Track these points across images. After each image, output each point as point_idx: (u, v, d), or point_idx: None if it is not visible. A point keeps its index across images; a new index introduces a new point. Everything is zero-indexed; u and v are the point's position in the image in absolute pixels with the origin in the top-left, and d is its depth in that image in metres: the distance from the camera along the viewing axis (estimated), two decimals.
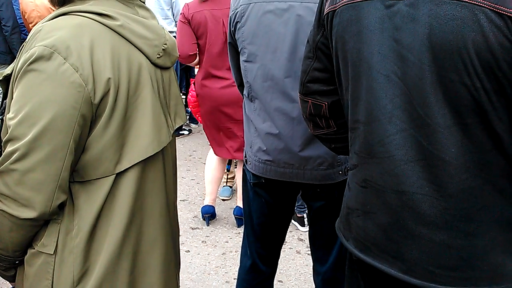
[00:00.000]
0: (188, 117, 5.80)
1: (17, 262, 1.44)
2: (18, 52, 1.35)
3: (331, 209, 2.17)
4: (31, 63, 1.26)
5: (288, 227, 2.44)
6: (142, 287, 1.48)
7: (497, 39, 1.09)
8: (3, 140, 1.30)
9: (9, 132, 1.27)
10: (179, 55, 3.83)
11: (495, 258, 1.19)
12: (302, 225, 4.19)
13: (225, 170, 4.68)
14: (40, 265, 1.37)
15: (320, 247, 2.33)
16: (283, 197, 2.30)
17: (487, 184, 1.18)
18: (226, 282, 3.49)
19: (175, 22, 6.22)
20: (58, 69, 1.25)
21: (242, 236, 4.01)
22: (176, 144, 1.73)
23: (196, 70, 4.88)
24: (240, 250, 3.80)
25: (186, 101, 5.60)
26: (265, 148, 2.15)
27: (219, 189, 4.83)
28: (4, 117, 1.35)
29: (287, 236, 2.74)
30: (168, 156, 1.58)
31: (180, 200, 4.67)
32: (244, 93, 2.27)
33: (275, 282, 2.57)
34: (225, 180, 4.92)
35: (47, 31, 1.30)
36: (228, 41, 2.30)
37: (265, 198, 2.29)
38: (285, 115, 2.09)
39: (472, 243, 1.19)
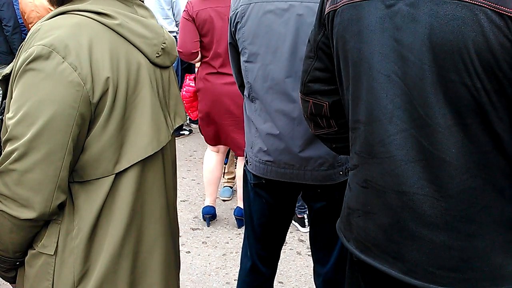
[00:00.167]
0: (188, 117, 5.80)
1: (17, 263, 1.43)
2: (17, 52, 1.35)
3: (332, 210, 2.16)
4: (29, 62, 1.25)
5: (288, 228, 2.43)
6: (143, 287, 1.48)
7: (498, 39, 1.09)
8: (3, 140, 1.30)
9: (8, 131, 1.27)
10: (182, 53, 3.84)
11: (496, 259, 1.19)
12: (303, 226, 4.18)
13: (224, 164, 4.68)
14: (41, 266, 1.37)
15: (321, 248, 2.33)
16: (284, 197, 2.30)
17: (487, 185, 1.18)
18: (226, 283, 3.49)
19: (176, 22, 6.22)
20: (56, 68, 1.25)
21: (242, 237, 4.02)
22: (177, 144, 1.72)
23: (196, 69, 4.87)
24: (240, 251, 3.81)
25: None
26: (265, 149, 2.15)
27: (219, 189, 4.83)
28: (3, 117, 1.35)
29: (287, 237, 2.74)
30: (167, 155, 1.58)
31: (181, 201, 4.67)
32: (244, 93, 2.27)
33: (275, 283, 2.57)
34: (225, 181, 4.91)
35: (46, 30, 1.30)
36: (228, 42, 2.30)
37: (266, 199, 2.28)
38: (286, 115, 2.09)
39: (473, 244, 1.19)
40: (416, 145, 1.21)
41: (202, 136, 4.26)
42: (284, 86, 2.07)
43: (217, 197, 4.71)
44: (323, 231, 2.28)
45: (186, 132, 6.66)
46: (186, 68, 6.66)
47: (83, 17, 1.34)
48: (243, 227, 4.16)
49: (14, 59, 1.34)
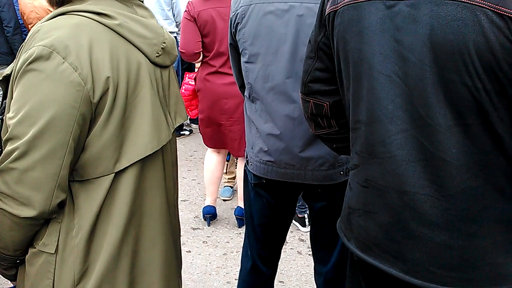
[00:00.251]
0: (188, 117, 5.81)
1: (18, 261, 1.44)
2: (18, 52, 1.35)
3: (332, 210, 2.17)
4: (30, 63, 1.26)
5: (289, 228, 2.44)
6: (142, 286, 1.48)
7: (498, 39, 1.09)
8: (3, 139, 1.31)
9: (9, 131, 1.28)
10: (184, 53, 3.84)
11: (496, 258, 1.19)
12: (303, 225, 4.18)
13: (225, 161, 4.68)
14: (41, 264, 1.38)
15: (321, 247, 2.33)
16: (284, 197, 2.30)
17: (488, 185, 1.18)
18: (227, 282, 3.49)
19: (176, 22, 6.22)
20: (57, 68, 1.26)
21: (243, 236, 4.02)
22: (177, 144, 1.73)
23: (197, 66, 4.87)
24: (241, 251, 3.81)
25: None
26: (266, 149, 2.15)
27: (219, 189, 4.83)
28: (4, 117, 1.35)
29: (288, 236, 2.74)
30: (168, 155, 1.58)
31: (181, 201, 4.67)
32: (245, 94, 2.27)
33: (276, 282, 2.57)
34: (226, 181, 4.91)
35: (46, 31, 1.30)
36: (229, 42, 2.30)
37: (266, 199, 2.29)
38: (286, 116, 2.09)
39: (473, 243, 1.19)
40: (417, 145, 1.21)
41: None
42: (285, 87, 2.07)
43: (217, 197, 4.71)
44: (324, 230, 2.29)
45: (187, 132, 6.67)
46: (186, 68, 6.66)
47: (83, 17, 1.35)
48: (244, 227, 4.17)
49: (15, 60, 1.34)
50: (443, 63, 1.15)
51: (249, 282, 2.47)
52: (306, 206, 4.11)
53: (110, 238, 1.39)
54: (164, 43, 1.51)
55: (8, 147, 1.27)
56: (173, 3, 6.24)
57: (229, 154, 4.77)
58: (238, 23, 2.15)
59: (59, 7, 1.41)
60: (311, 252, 3.75)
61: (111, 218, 1.39)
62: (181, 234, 1.79)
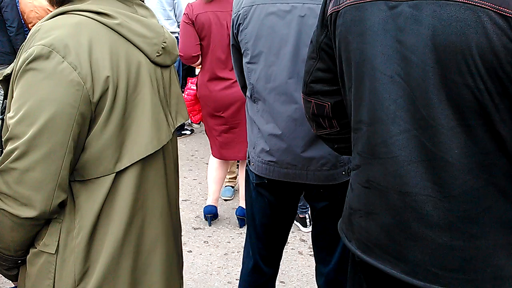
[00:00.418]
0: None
1: (19, 261, 1.44)
2: (18, 52, 1.35)
3: (334, 210, 2.17)
4: (29, 62, 1.26)
5: (290, 228, 2.44)
6: (144, 286, 1.48)
7: (501, 41, 1.09)
8: (4, 139, 1.31)
9: (9, 130, 1.28)
10: (183, 56, 3.84)
11: (498, 260, 1.19)
12: (304, 225, 4.18)
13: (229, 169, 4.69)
14: (42, 265, 1.37)
15: (323, 248, 2.34)
16: (286, 197, 2.30)
17: (490, 186, 1.18)
18: (228, 282, 3.49)
19: (177, 22, 6.22)
20: (56, 67, 1.25)
21: (244, 236, 4.01)
22: (178, 144, 1.73)
23: (197, 70, 4.88)
24: (242, 251, 3.81)
25: None
26: (268, 149, 2.16)
27: (221, 189, 4.83)
28: (4, 117, 1.36)
29: (289, 236, 2.74)
30: (169, 154, 1.58)
31: (182, 200, 4.68)
32: (247, 94, 2.27)
33: (277, 283, 2.57)
34: (227, 181, 4.91)
35: (46, 30, 1.30)
36: (231, 43, 2.31)
37: (268, 199, 2.29)
38: (288, 116, 2.09)
39: (475, 244, 1.19)
40: (419, 146, 1.21)
41: (204, 136, 4.27)
42: (287, 87, 2.08)
43: (219, 197, 4.71)
44: (325, 231, 2.29)
45: (188, 132, 6.67)
46: (187, 68, 6.66)
47: (83, 17, 1.34)
48: (245, 227, 4.17)
49: (15, 59, 1.34)
50: (446, 64, 1.14)
51: (250, 282, 2.47)
52: (307, 206, 4.12)
53: (111, 238, 1.39)
54: (164, 42, 1.51)
55: (8, 147, 1.27)
56: (175, 3, 6.24)
57: None
58: (240, 23, 2.15)
59: (59, 6, 1.41)
60: (312, 253, 3.76)
61: (112, 218, 1.39)
62: (182, 234, 1.79)
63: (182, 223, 1.75)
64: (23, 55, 1.29)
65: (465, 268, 1.20)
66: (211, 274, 3.59)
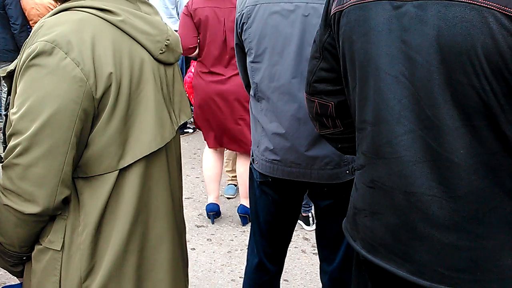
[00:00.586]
0: (192, 114, 5.81)
1: (24, 258, 1.44)
2: (22, 48, 1.36)
3: (338, 208, 2.17)
4: (32, 58, 1.26)
5: (295, 226, 2.44)
6: (150, 283, 1.48)
7: (506, 41, 1.08)
8: (7, 135, 1.32)
9: (12, 126, 1.29)
10: None
11: (505, 260, 1.19)
12: (307, 224, 4.19)
13: (228, 159, 4.70)
14: (48, 261, 1.38)
15: (327, 246, 2.34)
16: (290, 196, 2.30)
17: (496, 186, 1.18)
18: (232, 280, 3.50)
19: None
20: (59, 63, 1.26)
21: (247, 234, 4.03)
22: (181, 142, 1.73)
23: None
24: (245, 249, 3.81)
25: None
26: (272, 148, 2.16)
27: (223, 187, 4.84)
28: (8, 113, 1.36)
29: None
30: (172, 152, 1.58)
31: (185, 198, 4.68)
32: (250, 93, 2.28)
33: (280, 281, 2.57)
34: (230, 179, 4.92)
35: (49, 27, 1.30)
36: (235, 42, 2.31)
37: (272, 197, 2.29)
38: (292, 115, 2.10)
39: (482, 245, 1.19)
40: (424, 146, 1.21)
41: None
42: (290, 87, 2.08)
43: (221, 195, 4.72)
44: (329, 229, 2.29)
45: (190, 130, 6.67)
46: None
47: (86, 13, 1.35)
48: (248, 225, 4.18)
49: (19, 55, 1.35)
50: (451, 64, 1.14)
51: (255, 279, 2.47)
52: (311, 205, 4.12)
53: (116, 235, 1.39)
54: (167, 40, 1.51)
55: (11, 143, 1.28)
56: (177, 1, 6.24)
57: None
58: (244, 23, 2.15)
59: (62, 3, 1.41)
60: (315, 251, 3.76)
61: (117, 215, 1.39)
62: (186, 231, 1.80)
63: (185, 221, 1.76)
64: (26, 51, 1.29)
65: (471, 268, 1.19)
66: (214, 272, 3.60)
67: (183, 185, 1.75)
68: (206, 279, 3.51)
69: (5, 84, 1.44)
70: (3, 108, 6.02)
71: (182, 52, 1.64)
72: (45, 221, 1.36)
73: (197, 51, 3.98)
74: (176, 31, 5.84)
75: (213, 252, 3.86)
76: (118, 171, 1.37)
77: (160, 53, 1.47)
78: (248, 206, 4.03)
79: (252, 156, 2.31)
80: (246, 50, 2.21)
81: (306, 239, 4.05)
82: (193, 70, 4.45)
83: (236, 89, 3.84)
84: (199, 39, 3.92)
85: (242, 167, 4.13)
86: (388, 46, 1.25)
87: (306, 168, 2.12)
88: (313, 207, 4.07)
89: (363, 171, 1.38)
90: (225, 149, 4.60)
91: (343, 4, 1.37)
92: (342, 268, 2.30)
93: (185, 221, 1.79)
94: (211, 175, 4.26)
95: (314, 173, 2.12)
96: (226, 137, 4.08)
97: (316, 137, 2.06)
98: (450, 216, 1.20)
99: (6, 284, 3.07)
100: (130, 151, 1.38)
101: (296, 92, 2.06)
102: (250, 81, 2.24)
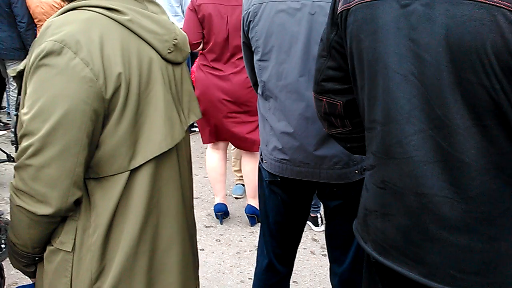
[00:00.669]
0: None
1: (36, 258, 1.45)
2: (30, 48, 1.36)
3: (348, 208, 2.16)
4: (42, 58, 1.26)
5: (304, 227, 2.43)
6: (160, 286, 1.48)
7: None
8: (19, 135, 1.32)
9: (23, 127, 1.29)
10: None
11: None
12: (316, 225, 4.17)
13: (236, 158, 4.70)
14: (59, 262, 1.39)
15: (337, 247, 2.32)
16: (299, 195, 2.29)
17: (507, 187, 1.16)
18: (241, 281, 3.49)
19: None
20: (68, 63, 1.26)
21: (255, 235, 4.02)
22: None
23: None
24: (254, 250, 3.80)
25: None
26: (280, 147, 2.15)
27: (231, 187, 4.83)
28: (19, 113, 1.36)
29: None
30: (182, 153, 1.58)
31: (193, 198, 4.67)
32: (258, 92, 2.27)
33: (289, 282, 2.56)
34: (238, 178, 4.90)
35: (57, 26, 1.30)
36: (242, 41, 2.30)
37: (281, 197, 2.28)
38: (300, 114, 2.09)
39: (494, 247, 1.17)
40: (435, 146, 1.19)
41: None
42: (298, 85, 2.06)
43: (229, 195, 4.72)
44: (339, 230, 2.27)
45: (197, 129, 6.65)
46: None
47: (94, 12, 1.35)
48: (256, 225, 4.17)
49: (28, 55, 1.34)
50: (460, 63, 1.13)
51: (265, 280, 2.46)
52: (319, 205, 4.10)
53: (127, 236, 1.39)
54: (175, 39, 1.50)
55: (24, 143, 1.28)
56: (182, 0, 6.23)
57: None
58: (251, 21, 2.14)
59: (69, 2, 1.41)
60: (324, 252, 3.75)
61: (127, 216, 1.39)
62: None
63: None
64: (35, 51, 1.29)
65: (484, 270, 1.18)
66: (223, 273, 3.59)
67: None
68: (215, 280, 3.50)
69: (12, 83, 1.45)
70: (11, 107, 6.05)
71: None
72: (57, 222, 1.37)
73: (201, 46, 3.99)
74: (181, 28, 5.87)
75: (222, 253, 3.85)
76: (129, 171, 1.37)
77: (168, 52, 1.47)
78: (255, 206, 4.04)
79: (261, 155, 2.30)
80: (253, 49, 2.20)
81: (315, 240, 4.03)
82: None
83: (232, 88, 3.86)
84: (204, 34, 3.93)
85: (248, 165, 4.13)
86: (397, 45, 1.23)
87: (315, 167, 2.10)
88: (322, 207, 4.07)
89: (373, 172, 1.37)
90: (232, 149, 4.60)
91: (350, 2, 1.36)
92: (352, 269, 2.28)
93: None
94: (215, 176, 4.26)
95: (323, 173, 2.11)
96: (219, 131, 4.08)
97: (325, 136, 2.04)
98: (462, 217, 1.18)
99: (19, 285, 3.09)
100: (140, 152, 1.38)
101: (304, 91, 2.05)
102: (258, 79, 2.23)
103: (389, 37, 1.25)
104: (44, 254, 1.42)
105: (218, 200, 4.28)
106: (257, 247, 2.54)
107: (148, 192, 1.41)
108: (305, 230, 4.04)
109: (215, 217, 4.34)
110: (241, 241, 4.02)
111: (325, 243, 2.46)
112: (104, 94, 1.29)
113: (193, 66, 4.56)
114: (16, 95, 6.34)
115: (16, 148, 1.35)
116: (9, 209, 1.38)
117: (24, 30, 5.76)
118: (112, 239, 1.39)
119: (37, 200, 1.29)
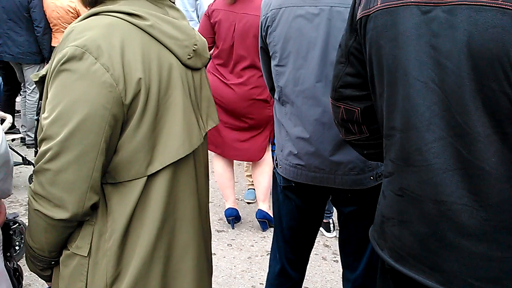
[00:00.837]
0: None
1: (53, 262, 1.46)
2: (53, 53, 1.37)
3: (362, 215, 2.15)
4: (63, 63, 1.27)
5: (317, 232, 2.42)
6: None
7: None
8: (38, 140, 1.32)
9: (43, 131, 1.29)
10: None
11: None
12: (328, 231, 4.15)
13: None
14: (75, 267, 1.39)
15: (350, 253, 2.31)
16: (314, 201, 2.29)
17: None
18: (252, 286, 3.48)
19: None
20: (89, 68, 1.26)
21: (267, 240, 4.01)
22: None
23: None
24: (265, 255, 3.79)
25: None
26: (296, 152, 2.15)
27: (243, 191, 4.82)
28: (40, 117, 1.37)
29: None
30: (199, 158, 1.58)
31: None
32: (275, 97, 2.27)
33: None
34: (250, 183, 4.90)
35: (79, 32, 1.31)
36: (259, 46, 2.31)
37: (295, 202, 2.28)
38: (316, 120, 2.08)
39: None
40: (455, 154, 1.19)
41: None
42: (315, 91, 2.06)
43: (242, 199, 4.71)
44: (352, 236, 2.27)
45: None
46: None
47: (115, 18, 1.35)
48: (268, 230, 4.16)
49: (50, 61, 1.35)
50: (482, 70, 1.12)
51: (277, 285, 2.46)
52: (331, 211, 4.09)
53: (143, 242, 1.39)
54: (195, 45, 1.50)
55: (43, 148, 1.29)
56: (197, 4, 6.24)
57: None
58: (269, 26, 2.15)
59: (92, 7, 1.42)
60: (336, 258, 3.74)
61: (144, 222, 1.39)
62: None
63: None
64: (57, 56, 1.30)
65: (503, 279, 1.17)
66: (235, 278, 3.58)
67: None
68: (226, 284, 3.50)
69: (29, 87, 1.46)
70: (27, 111, 6.09)
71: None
72: (73, 226, 1.37)
73: (211, 51, 4.02)
74: None
75: (234, 257, 3.84)
76: (146, 177, 1.37)
77: (188, 58, 1.47)
78: (266, 210, 4.04)
79: (276, 160, 2.30)
80: (270, 54, 2.20)
81: (327, 246, 4.01)
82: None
83: (233, 97, 3.88)
84: (214, 39, 3.98)
85: (257, 169, 4.13)
86: (417, 52, 1.23)
87: (330, 173, 2.10)
88: (334, 213, 4.06)
89: (391, 179, 1.36)
90: None
91: (369, 8, 1.35)
92: (365, 276, 2.27)
93: None
94: (223, 182, 4.27)
95: (338, 179, 2.10)
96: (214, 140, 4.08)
97: (341, 142, 2.04)
98: (481, 225, 1.17)
99: (32, 286, 3.10)
100: (158, 157, 1.38)
101: (321, 97, 2.05)
102: (275, 84, 2.23)
103: (409, 43, 1.24)
104: (60, 258, 1.42)
105: (228, 205, 4.28)
106: (268, 252, 2.54)
107: (165, 198, 1.41)
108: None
109: (226, 222, 4.34)
110: (252, 246, 4.02)
111: (337, 249, 2.45)
112: (124, 99, 1.30)
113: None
114: (32, 99, 6.34)
115: (36, 153, 1.36)
116: (23, 211, 1.38)
117: (41, 34, 5.82)
118: (128, 244, 1.39)
119: (54, 204, 1.29)
